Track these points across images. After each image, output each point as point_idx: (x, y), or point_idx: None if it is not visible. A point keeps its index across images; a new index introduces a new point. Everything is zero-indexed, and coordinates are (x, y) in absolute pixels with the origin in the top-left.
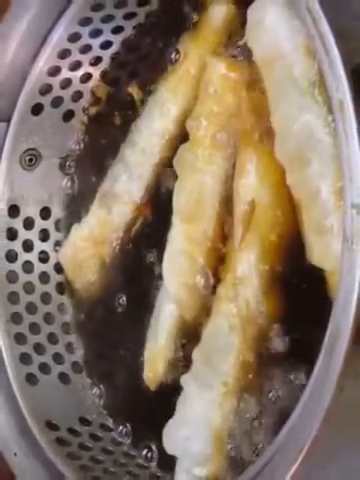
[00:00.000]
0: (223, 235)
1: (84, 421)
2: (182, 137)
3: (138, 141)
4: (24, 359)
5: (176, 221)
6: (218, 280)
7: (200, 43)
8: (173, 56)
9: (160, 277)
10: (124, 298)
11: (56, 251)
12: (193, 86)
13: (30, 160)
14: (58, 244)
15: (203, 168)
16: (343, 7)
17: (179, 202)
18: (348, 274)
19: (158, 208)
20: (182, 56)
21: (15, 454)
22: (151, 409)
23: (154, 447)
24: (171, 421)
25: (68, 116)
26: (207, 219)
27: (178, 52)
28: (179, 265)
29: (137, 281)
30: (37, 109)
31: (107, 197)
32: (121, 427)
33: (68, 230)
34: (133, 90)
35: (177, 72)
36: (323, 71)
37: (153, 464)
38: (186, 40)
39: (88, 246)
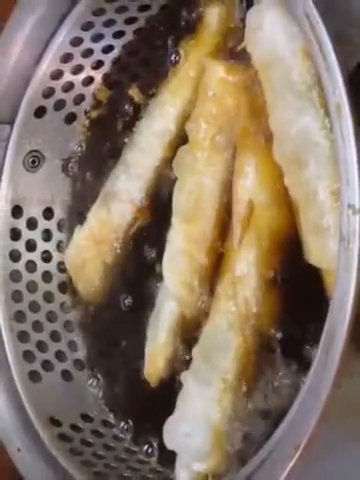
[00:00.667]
0: (222, 234)
1: (86, 417)
2: (182, 138)
3: (139, 141)
4: (27, 356)
5: (175, 221)
6: (217, 279)
7: (199, 46)
8: (173, 58)
9: (161, 275)
10: (126, 296)
11: (59, 251)
12: (193, 88)
13: (33, 162)
14: (61, 244)
15: (202, 170)
16: (340, 12)
17: (178, 203)
18: (344, 273)
19: (159, 208)
20: (182, 59)
21: (18, 449)
22: (152, 405)
23: (154, 443)
24: (171, 417)
25: (70, 119)
26: (206, 219)
27: (178, 54)
28: (179, 264)
29: (138, 280)
30: (40, 112)
31: (107, 197)
32: (122, 423)
33: (70, 230)
34: (134, 92)
35: (178, 75)
36: (320, 75)
37: (153, 459)
38: (186, 43)
39: (89, 245)
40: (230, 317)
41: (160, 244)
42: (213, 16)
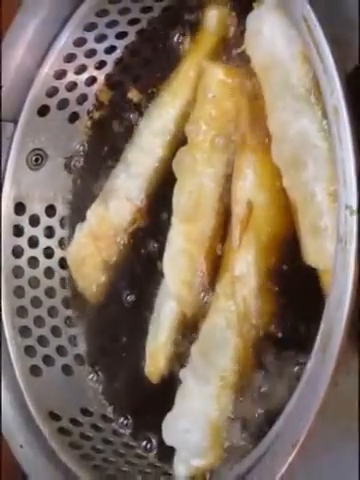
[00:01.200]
0: (221, 234)
1: (86, 412)
2: (182, 139)
3: (139, 141)
4: (29, 351)
5: (175, 221)
6: (216, 278)
7: (199, 47)
8: (178, 39)
9: (161, 273)
10: (126, 293)
11: (61, 247)
12: (193, 89)
13: (36, 160)
14: (62, 240)
15: (202, 171)
16: (337, 15)
17: (179, 203)
18: (342, 273)
19: (160, 206)
20: (182, 60)
21: (21, 446)
22: (151, 401)
23: (153, 439)
24: (170, 414)
25: (73, 118)
26: (206, 219)
27: (183, 34)
28: (179, 263)
29: (141, 277)
30: (43, 110)
31: (106, 194)
32: (122, 418)
33: (72, 227)
34: (133, 94)
35: (177, 75)
36: (318, 77)
37: (152, 454)
38: (186, 44)
39: (89, 242)
40: (229, 316)
41: (163, 242)
42: (212, 18)
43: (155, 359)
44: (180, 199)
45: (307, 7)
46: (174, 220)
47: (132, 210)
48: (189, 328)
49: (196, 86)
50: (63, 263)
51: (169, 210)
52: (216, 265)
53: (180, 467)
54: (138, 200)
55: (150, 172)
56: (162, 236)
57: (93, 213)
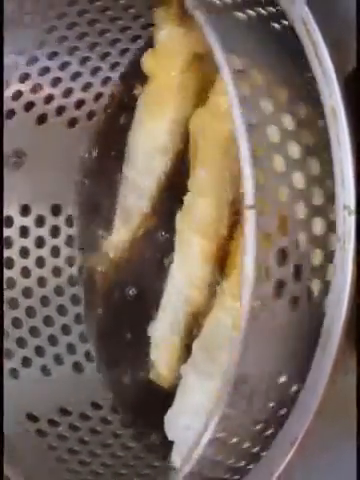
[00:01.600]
0: (231, 232)
1: (96, 406)
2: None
3: (133, 158)
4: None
5: (185, 228)
6: (223, 274)
7: (164, 65)
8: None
9: (167, 270)
10: (132, 289)
11: (67, 245)
12: (165, 103)
13: None
14: (70, 238)
15: (213, 193)
16: (336, 17)
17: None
18: (341, 272)
19: (166, 205)
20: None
21: None
22: (149, 396)
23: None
24: (171, 409)
25: (72, 123)
26: (218, 232)
27: None
28: (190, 268)
29: (145, 273)
30: (42, 119)
31: (124, 215)
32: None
33: (80, 226)
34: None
35: (147, 91)
36: (317, 79)
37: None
38: (148, 59)
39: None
40: (235, 314)
41: (170, 239)
42: (160, 37)
43: (166, 361)
44: (194, 217)
45: (306, 9)
46: (185, 229)
47: (145, 218)
48: (193, 324)
49: (166, 101)
50: (71, 262)
51: (176, 208)
52: (224, 261)
53: (179, 460)
54: (148, 209)
55: (154, 186)
56: (170, 232)
57: (118, 233)
